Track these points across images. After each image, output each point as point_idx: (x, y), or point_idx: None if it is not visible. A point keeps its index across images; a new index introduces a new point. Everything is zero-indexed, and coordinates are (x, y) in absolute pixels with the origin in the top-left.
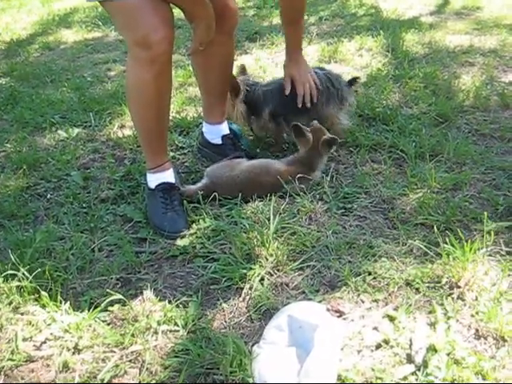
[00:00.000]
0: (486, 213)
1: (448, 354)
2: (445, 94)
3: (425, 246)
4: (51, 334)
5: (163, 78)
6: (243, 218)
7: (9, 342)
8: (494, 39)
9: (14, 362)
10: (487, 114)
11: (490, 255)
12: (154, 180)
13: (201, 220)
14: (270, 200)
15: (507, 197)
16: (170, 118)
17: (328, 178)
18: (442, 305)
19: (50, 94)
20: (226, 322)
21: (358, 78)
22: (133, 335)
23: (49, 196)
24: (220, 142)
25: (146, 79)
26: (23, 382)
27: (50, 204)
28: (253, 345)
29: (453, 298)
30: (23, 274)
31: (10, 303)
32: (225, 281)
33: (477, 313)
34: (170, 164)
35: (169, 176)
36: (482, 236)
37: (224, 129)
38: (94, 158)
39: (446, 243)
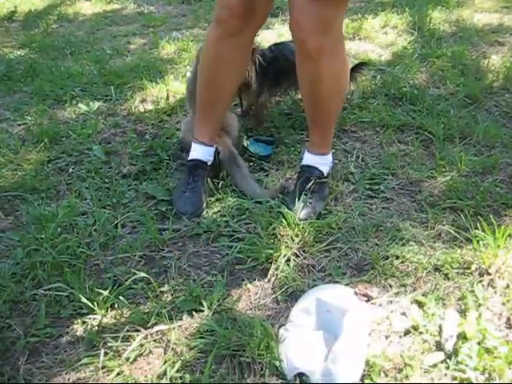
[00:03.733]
0: None
1: (479, 343)
2: (473, 74)
3: (454, 231)
4: (75, 310)
5: (223, 46)
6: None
7: (33, 317)
8: None
9: (39, 337)
10: None
11: None
12: (192, 151)
13: (225, 198)
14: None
15: None
16: None
17: (354, 159)
18: (472, 292)
19: (70, 67)
20: (251, 303)
21: (364, 63)
22: (157, 314)
23: (70, 170)
24: None
25: (210, 39)
26: (47, 357)
27: (72, 178)
28: (279, 327)
29: (483, 285)
30: (46, 249)
31: (33, 279)
32: (250, 261)
33: (508, 301)
34: (211, 142)
35: (203, 153)
36: None
37: None
38: (115, 132)
39: (476, 228)
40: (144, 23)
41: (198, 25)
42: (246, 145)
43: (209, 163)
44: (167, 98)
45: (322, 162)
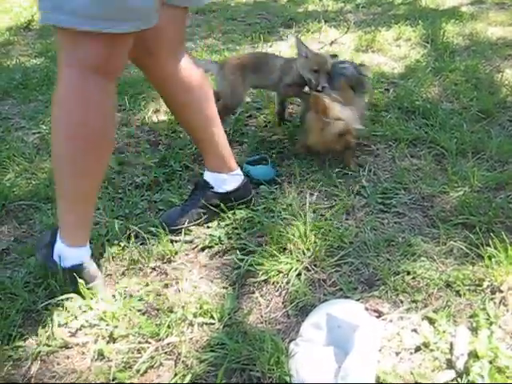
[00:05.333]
0: None
1: (490, 362)
2: (487, 88)
3: (466, 247)
4: (86, 321)
5: None
6: (280, 210)
7: (45, 327)
8: None
9: (50, 347)
10: None
11: None
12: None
13: (236, 211)
14: (306, 193)
15: None
16: None
17: (366, 173)
18: (483, 309)
19: None
20: (262, 316)
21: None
22: (168, 326)
23: None
24: None
25: None
26: (59, 367)
27: None
28: (289, 341)
29: (495, 303)
30: None
31: (46, 288)
32: (261, 274)
33: None
34: None
35: (213, 178)
36: None
37: None
38: (128, 142)
39: (489, 245)
40: None
41: (212, 35)
42: (246, 171)
43: (217, 189)
44: None
45: None
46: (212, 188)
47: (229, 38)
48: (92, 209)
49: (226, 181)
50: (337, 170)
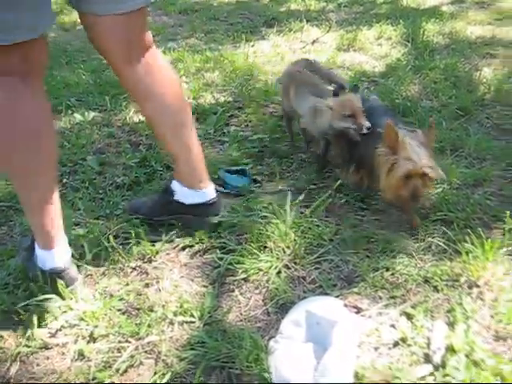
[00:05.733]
0: (508, 212)
1: (467, 356)
2: (465, 86)
3: (444, 243)
4: (66, 321)
5: None
6: (260, 209)
7: (24, 328)
8: None
9: (30, 348)
10: (509, 108)
11: (510, 255)
12: None
13: None
14: (287, 191)
15: None
16: None
17: None
18: (460, 304)
19: (66, 76)
20: (242, 314)
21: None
22: (149, 325)
23: (64, 180)
24: None
25: None
26: (38, 368)
27: (66, 189)
28: (269, 339)
29: (472, 298)
30: None
31: (26, 289)
32: (241, 272)
33: (496, 314)
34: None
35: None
36: (503, 235)
37: None
38: (109, 142)
39: (466, 241)
40: None
41: (195, 35)
42: (221, 177)
43: (178, 198)
44: None
45: None
46: (173, 196)
47: (211, 38)
48: (52, 211)
49: (192, 195)
50: (316, 168)
